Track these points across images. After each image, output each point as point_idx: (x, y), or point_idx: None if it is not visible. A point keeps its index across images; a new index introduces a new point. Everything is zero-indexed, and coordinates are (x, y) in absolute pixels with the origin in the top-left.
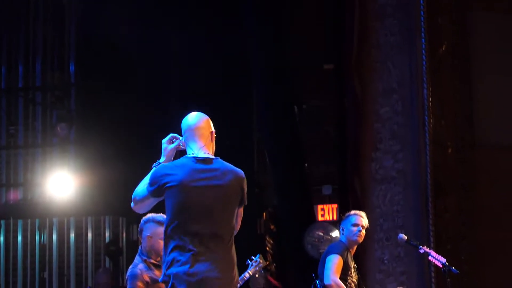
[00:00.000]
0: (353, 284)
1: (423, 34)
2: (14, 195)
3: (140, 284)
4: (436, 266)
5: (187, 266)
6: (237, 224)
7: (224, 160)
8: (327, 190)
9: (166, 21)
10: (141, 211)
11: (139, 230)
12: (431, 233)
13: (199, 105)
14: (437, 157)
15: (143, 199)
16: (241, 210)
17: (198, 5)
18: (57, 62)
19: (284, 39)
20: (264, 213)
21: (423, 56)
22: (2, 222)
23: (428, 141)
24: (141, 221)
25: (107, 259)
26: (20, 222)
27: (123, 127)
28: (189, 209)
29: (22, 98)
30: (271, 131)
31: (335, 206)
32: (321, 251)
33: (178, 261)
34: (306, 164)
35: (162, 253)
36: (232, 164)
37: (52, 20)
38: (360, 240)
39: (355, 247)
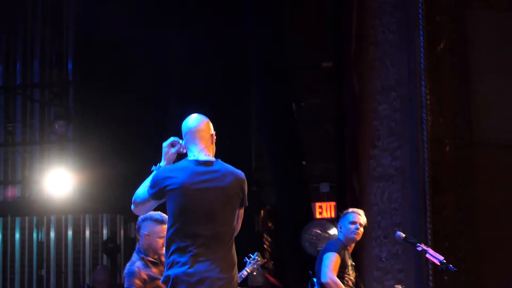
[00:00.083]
0: (350, 282)
1: (421, 32)
2: (12, 193)
3: (137, 281)
4: (434, 263)
5: (187, 266)
6: (238, 225)
7: (222, 157)
8: (325, 187)
9: (166, 20)
10: (141, 214)
11: (136, 227)
12: (429, 231)
13: (198, 104)
14: (435, 155)
15: (143, 201)
16: (242, 211)
17: (198, 5)
18: (55, 59)
19: (283, 38)
20: (262, 211)
21: (421, 54)
22: (0, 219)
23: (426, 139)
24: (139, 219)
25: (104, 257)
26: (17, 220)
27: (121, 125)
28: (190, 212)
29: (20, 95)
30: (270, 129)
31: (333, 203)
32: (318, 248)
33: (177, 262)
34: (304, 162)
35: (160, 251)
36: (230, 162)
37: (50, 17)
38: (358, 238)
39: (352, 245)
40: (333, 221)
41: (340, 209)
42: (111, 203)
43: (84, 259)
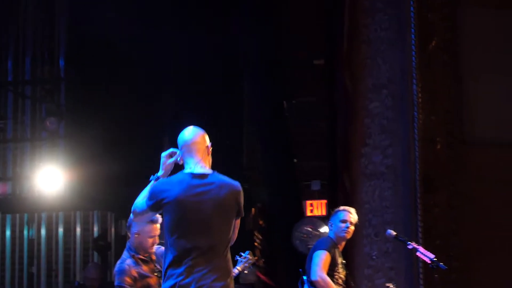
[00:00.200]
0: (340, 280)
1: (413, 30)
2: (2, 189)
3: (128, 279)
4: (425, 262)
5: (182, 277)
6: (234, 235)
7: (214, 155)
8: (316, 185)
9: (159, 18)
10: (141, 222)
11: (127, 225)
12: (420, 229)
13: (190, 103)
14: (427, 153)
15: (142, 212)
16: (238, 221)
17: (198, 5)
18: (47, 56)
19: (275, 36)
20: (254, 209)
21: (413, 52)
22: None
23: (417, 137)
24: (130, 217)
25: (95, 254)
26: (8, 217)
27: (113, 122)
28: (185, 224)
29: (11, 92)
30: (261, 126)
31: (324, 201)
32: (309, 246)
33: (173, 274)
34: (295, 160)
35: (149, 250)
36: (222, 160)
37: (42, 14)
38: (348, 236)
39: (343, 243)
40: (324, 219)
41: (331, 207)
42: (102, 200)
43: (74, 256)
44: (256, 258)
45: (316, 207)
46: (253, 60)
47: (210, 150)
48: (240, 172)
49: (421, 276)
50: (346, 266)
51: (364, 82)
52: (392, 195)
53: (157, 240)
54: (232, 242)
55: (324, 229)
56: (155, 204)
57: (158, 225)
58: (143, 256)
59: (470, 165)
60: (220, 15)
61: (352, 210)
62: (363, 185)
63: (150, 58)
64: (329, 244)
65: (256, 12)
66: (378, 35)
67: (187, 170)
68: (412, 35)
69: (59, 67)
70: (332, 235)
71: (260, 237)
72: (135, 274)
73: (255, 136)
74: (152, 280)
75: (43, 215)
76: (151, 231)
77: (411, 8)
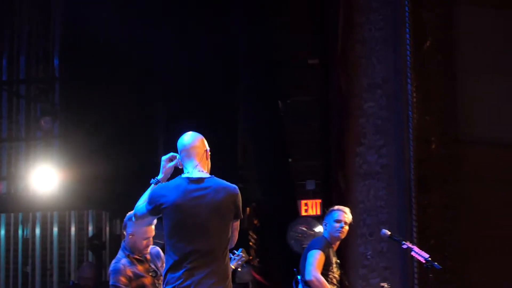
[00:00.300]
0: (334, 280)
1: (407, 29)
2: None
3: (123, 279)
4: (419, 261)
5: (181, 280)
6: (234, 237)
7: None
8: (311, 185)
9: (156, 18)
10: (142, 226)
11: (123, 225)
12: (415, 229)
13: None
14: (421, 153)
15: (143, 216)
16: (237, 223)
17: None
18: (42, 55)
19: (269, 34)
20: (248, 208)
21: (408, 52)
22: None
23: (412, 136)
24: (126, 216)
25: (90, 253)
26: (3, 216)
27: (107, 121)
28: (183, 228)
29: (6, 91)
30: (256, 125)
31: (318, 201)
32: (304, 246)
33: (172, 278)
34: (290, 159)
35: (144, 251)
36: (216, 159)
37: (36, 13)
38: (343, 236)
39: (337, 243)
40: (319, 219)
41: (326, 207)
42: (96, 199)
43: (69, 255)
44: (250, 257)
45: (310, 207)
46: (247, 60)
47: (209, 154)
48: (234, 171)
49: (415, 275)
50: (341, 266)
51: (359, 81)
52: (387, 195)
53: (151, 242)
54: (232, 245)
55: (319, 228)
56: (154, 209)
57: (153, 227)
58: (138, 256)
59: (465, 165)
60: (220, 15)
61: (347, 209)
62: (357, 184)
63: (146, 57)
64: (323, 243)
65: (251, 11)
66: (373, 34)
67: (185, 174)
68: (407, 35)
69: (54, 67)
70: (326, 235)
71: (255, 236)
72: (130, 274)
73: (249, 135)
74: (147, 280)
75: (38, 214)
76: (145, 233)
77: (406, 7)
